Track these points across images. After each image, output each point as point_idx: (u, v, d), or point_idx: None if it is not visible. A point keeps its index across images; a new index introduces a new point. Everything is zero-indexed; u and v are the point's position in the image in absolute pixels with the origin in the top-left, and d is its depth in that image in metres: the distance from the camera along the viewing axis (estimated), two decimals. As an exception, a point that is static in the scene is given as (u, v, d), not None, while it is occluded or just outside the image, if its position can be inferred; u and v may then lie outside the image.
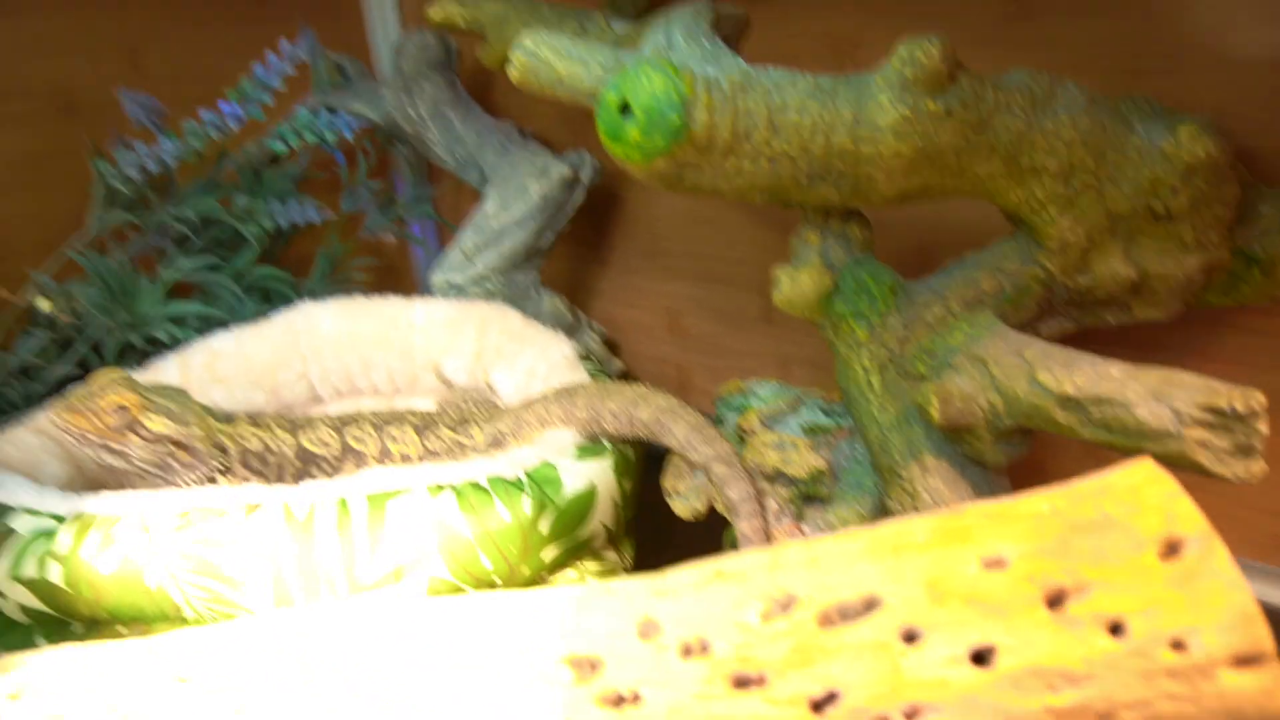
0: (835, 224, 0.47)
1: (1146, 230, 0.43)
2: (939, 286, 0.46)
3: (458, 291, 0.71)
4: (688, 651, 0.31)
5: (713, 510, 0.51)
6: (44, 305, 0.70)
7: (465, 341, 0.66)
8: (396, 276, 0.99)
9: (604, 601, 0.33)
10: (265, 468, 0.56)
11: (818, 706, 0.29)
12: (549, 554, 0.49)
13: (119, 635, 0.48)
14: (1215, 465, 0.35)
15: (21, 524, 0.47)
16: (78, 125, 0.77)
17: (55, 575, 0.45)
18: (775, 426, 0.53)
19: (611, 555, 0.54)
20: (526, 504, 0.47)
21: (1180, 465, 0.35)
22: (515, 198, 0.70)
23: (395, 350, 0.67)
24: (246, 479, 0.55)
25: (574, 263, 0.86)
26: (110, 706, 0.38)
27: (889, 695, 0.28)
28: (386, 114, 0.79)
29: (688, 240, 0.76)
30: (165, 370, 0.65)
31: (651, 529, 0.59)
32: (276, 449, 0.56)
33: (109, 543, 0.45)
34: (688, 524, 0.52)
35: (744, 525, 0.47)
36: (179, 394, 0.56)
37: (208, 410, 0.55)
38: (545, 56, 0.46)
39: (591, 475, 0.50)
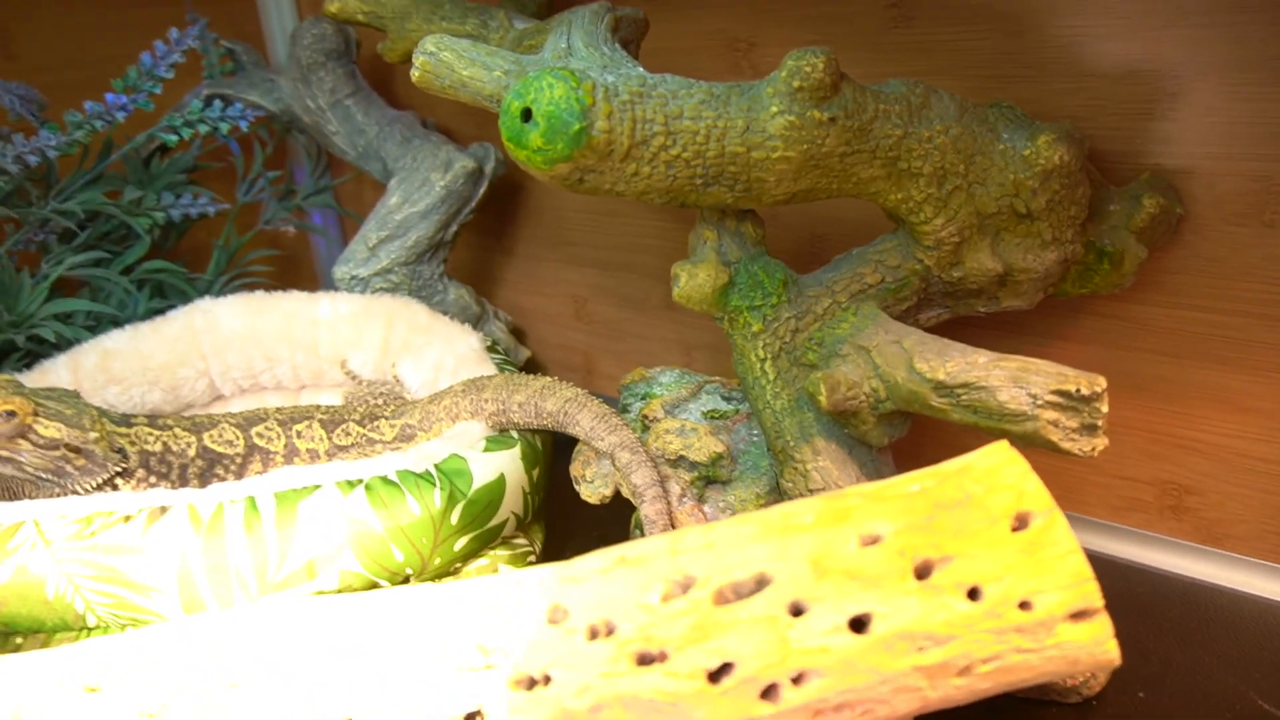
0: (730, 222, 0.49)
1: (1010, 228, 0.47)
2: (827, 280, 0.49)
3: (361, 285, 0.71)
4: (594, 634, 0.33)
5: (619, 495, 0.54)
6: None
7: (372, 336, 0.66)
8: (297, 268, 0.98)
9: (514, 591, 0.35)
10: (167, 469, 0.55)
11: (714, 677, 0.31)
12: (460, 544, 0.50)
13: (17, 646, 0.47)
14: (1065, 442, 0.39)
15: (-94, 537, 0.46)
16: (-54, 113, 0.73)
17: (-54, 588, 0.44)
18: (677, 413, 0.56)
19: (522, 542, 0.56)
20: (437, 497, 0.48)
21: (1036, 443, 0.39)
22: (419, 190, 0.70)
23: (300, 346, 0.66)
24: (147, 482, 0.54)
25: (480, 252, 0.87)
26: (14, 719, 0.37)
27: (778, 664, 0.31)
28: (283, 104, 0.78)
29: (592, 230, 0.78)
30: (55, 372, 0.63)
31: (561, 513, 0.61)
32: (178, 449, 0.55)
33: (4, 554, 0.44)
34: (595, 508, 0.54)
35: (648, 509, 0.50)
36: (72, 396, 0.54)
37: (103, 413, 0.54)
38: (447, 59, 0.47)
39: (500, 466, 0.52)
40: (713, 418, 0.55)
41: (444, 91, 0.48)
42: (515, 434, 0.54)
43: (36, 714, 0.37)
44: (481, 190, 0.73)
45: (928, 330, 0.47)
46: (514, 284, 0.85)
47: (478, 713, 0.33)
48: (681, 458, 0.52)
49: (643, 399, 0.58)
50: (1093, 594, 0.30)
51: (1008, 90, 0.54)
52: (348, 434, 0.57)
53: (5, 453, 0.51)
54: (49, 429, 0.51)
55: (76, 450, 0.52)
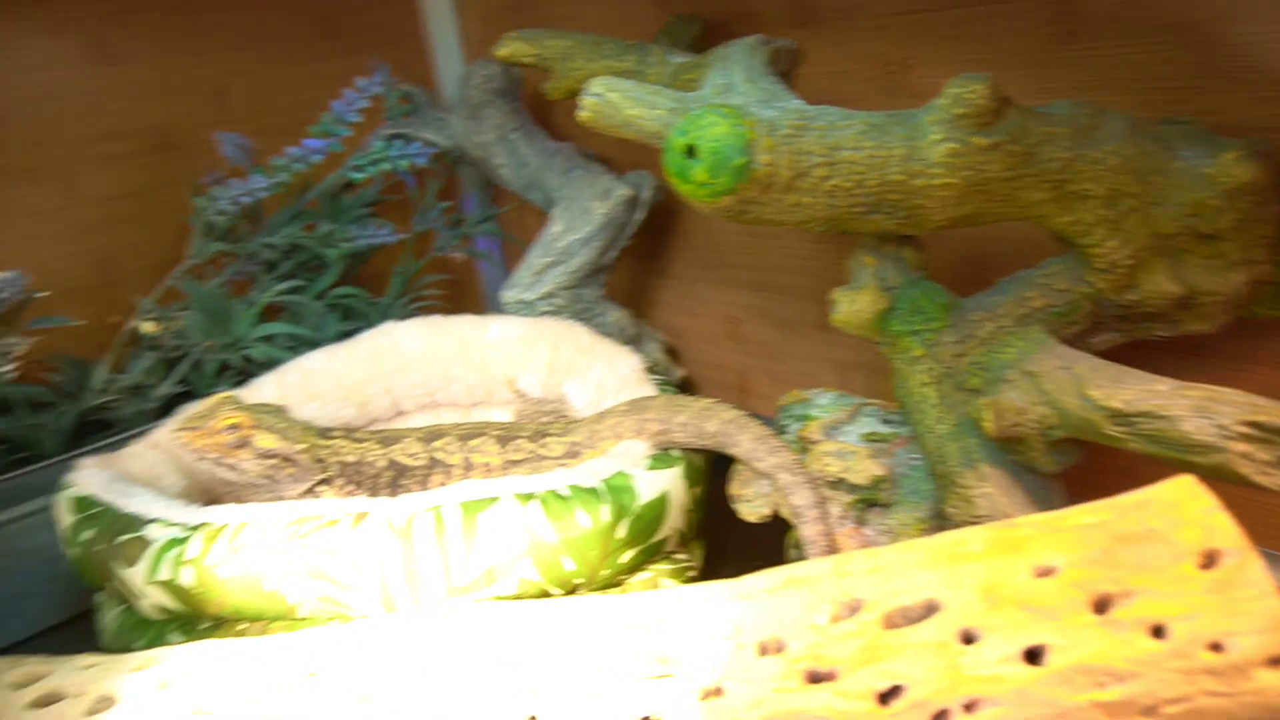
0: (890, 248, 0.49)
1: (1192, 249, 0.46)
2: (991, 303, 0.49)
3: (527, 308, 0.75)
4: (765, 650, 0.35)
5: (776, 514, 0.55)
6: (148, 329, 0.77)
7: (539, 357, 0.70)
8: (464, 291, 1.04)
9: (687, 605, 0.37)
10: (361, 479, 0.60)
11: (884, 699, 0.32)
12: (626, 557, 0.53)
13: (241, 632, 0.53)
14: (1259, 476, 0.37)
15: (154, 533, 0.52)
16: (173, 161, 0.83)
17: (186, 578, 0.51)
18: (835, 435, 0.56)
19: (683, 557, 0.58)
20: (605, 511, 0.51)
21: (1225, 477, 0.38)
22: (580, 218, 0.74)
23: (473, 366, 0.71)
24: (345, 490, 0.60)
25: (636, 275, 0.90)
26: (249, 698, 0.43)
27: (950, 690, 0.31)
28: (454, 140, 0.84)
29: (747, 252, 0.79)
30: (263, 388, 0.70)
31: (718, 531, 0.63)
32: (370, 462, 0.61)
33: (232, 550, 0.50)
34: (752, 526, 0.56)
35: (808, 530, 0.51)
36: (281, 411, 0.61)
37: (308, 426, 0.61)
38: (613, 100, 0.50)
39: (664, 483, 0.54)
40: (872, 440, 0.55)
41: (610, 129, 0.51)
42: (678, 453, 0.56)
43: (267, 693, 0.42)
44: (639, 216, 0.76)
45: (1100, 355, 0.45)
46: (669, 305, 0.88)
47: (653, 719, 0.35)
48: (841, 480, 0.52)
49: (800, 420, 0.59)
50: (1292, 638, 0.29)
51: (1186, 104, 0.52)
52: (519, 450, 0.60)
53: (230, 460, 0.58)
54: (266, 440, 0.58)
55: (287, 460, 0.58)
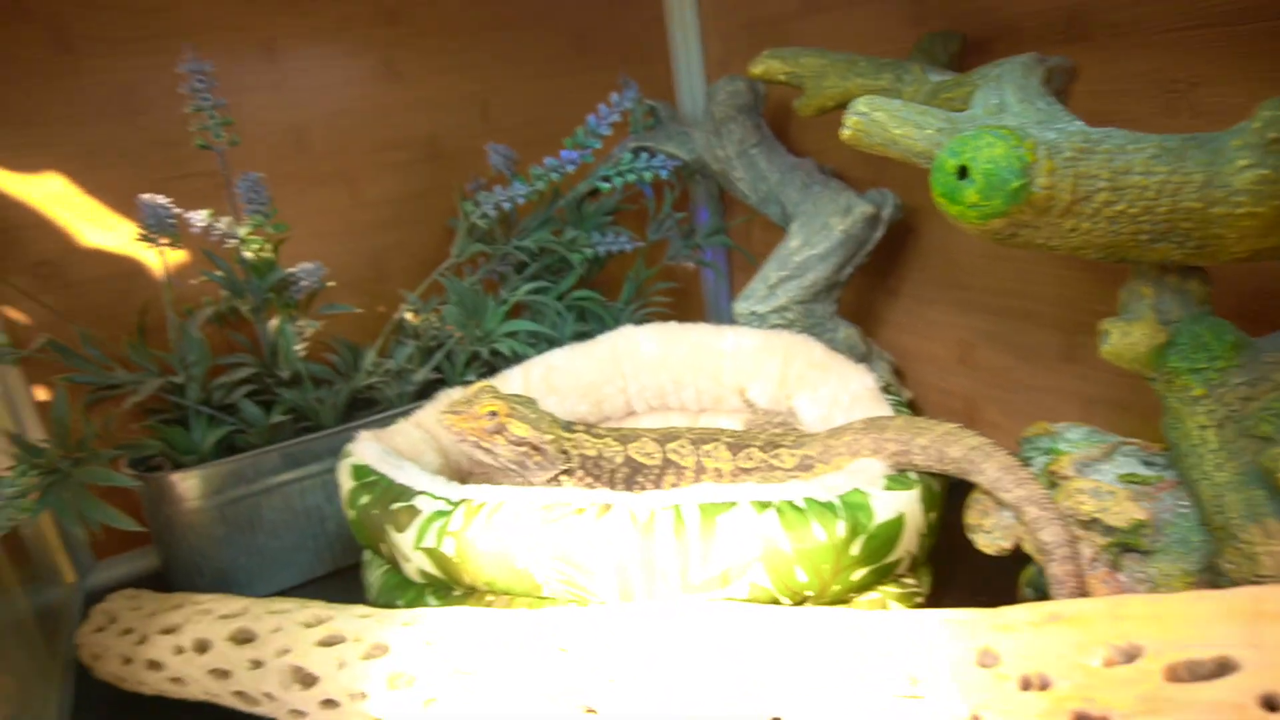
0: (1172, 279, 0.47)
1: None
2: (1289, 344, 0.45)
3: (759, 320, 0.77)
4: (1027, 684, 0.34)
5: (1016, 549, 0.53)
6: (411, 319, 0.85)
7: (770, 369, 0.71)
8: (688, 299, 1.08)
9: (943, 628, 0.37)
10: (599, 473, 0.64)
11: (1166, 755, 0.30)
12: (858, 575, 0.53)
13: (487, 603, 0.58)
14: None
15: (423, 504, 0.58)
16: (440, 169, 0.92)
17: (448, 548, 0.56)
18: (1088, 473, 0.53)
19: (911, 581, 0.57)
20: (841, 527, 0.52)
21: None
22: (818, 234, 0.74)
23: (705, 373, 0.73)
24: (584, 482, 0.64)
25: (865, 292, 0.89)
26: (504, 664, 0.46)
27: (1245, 755, 0.29)
28: (695, 154, 0.87)
29: (985, 275, 0.77)
30: (511, 379, 0.76)
31: (944, 559, 0.61)
32: (609, 456, 0.64)
33: (489, 526, 0.55)
34: (978, 558, 0.54)
35: (1057, 569, 0.48)
36: (533, 403, 0.66)
37: (555, 419, 0.65)
38: (879, 119, 0.50)
39: (900, 505, 0.53)
40: (1131, 482, 0.52)
41: (872, 148, 0.52)
42: (915, 475, 0.56)
43: (524, 663, 0.46)
44: (879, 234, 0.75)
45: None
46: (898, 324, 0.87)
47: (904, 738, 0.35)
48: (1096, 520, 0.50)
49: (1047, 454, 0.56)
50: None
51: None
52: (750, 458, 0.62)
53: (486, 445, 0.63)
54: (519, 428, 0.62)
55: (535, 448, 0.63)
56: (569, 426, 0.66)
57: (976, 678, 0.35)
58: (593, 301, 0.89)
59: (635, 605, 0.46)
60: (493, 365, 0.84)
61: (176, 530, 0.72)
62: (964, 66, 0.69)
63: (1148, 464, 0.53)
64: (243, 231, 0.71)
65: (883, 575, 0.54)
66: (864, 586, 0.54)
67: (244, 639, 0.55)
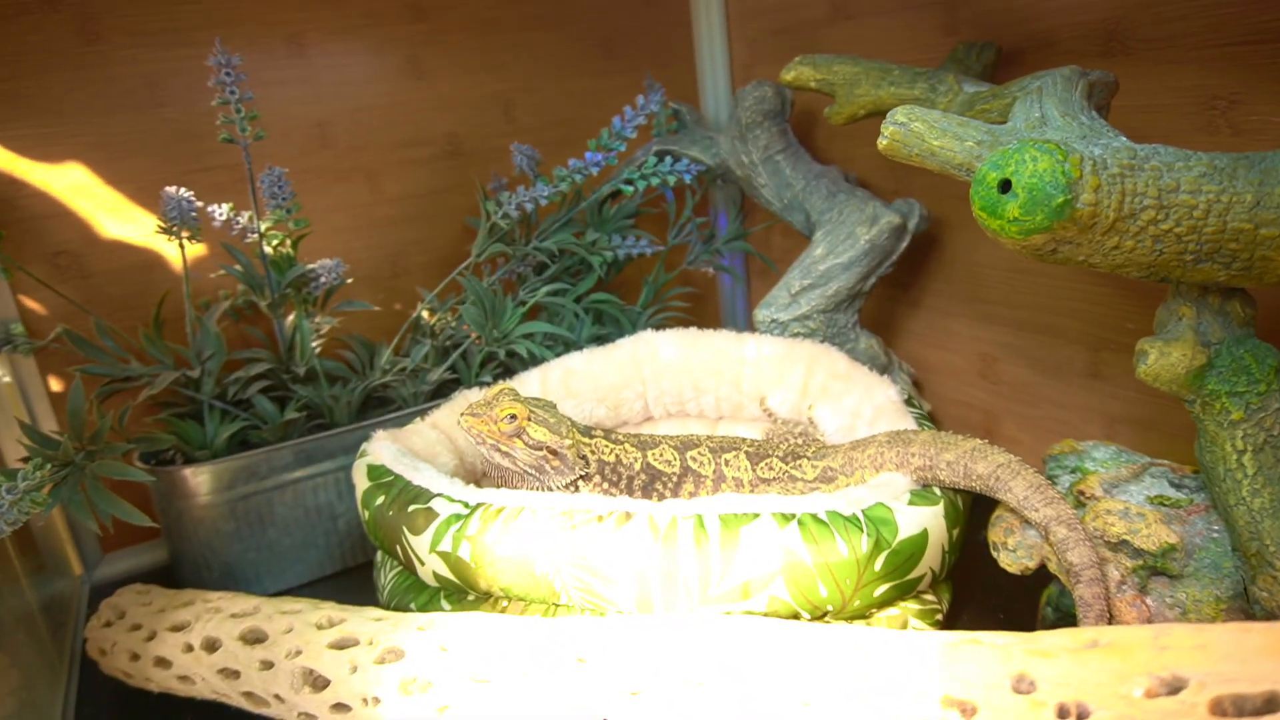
0: (1214, 300, 0.46)
1: None
2: (1331, 370, 0.44)
3: (780, 328, 0.76)
4: (1064, 713, 0.33)
5: (1041, 568, 0.52)
6: (428, 317, 0.84)
7: (792, 378, 0.70)
8: (704, 304, 1.07)
9: (976, 651, 0.36)
10: (617, 479, 0.63)
11: (1212, 792, 0.29)
12: (880, 591, 0.52)
13: (503, 609, 0.57)
14: None
15: (439, 507, 0.57)
16: (461, 167, 0.91)
17: (465, 552, 0.55)
18: (1116, 494, 0.53)
19: (931, 598, 0.56)
20: (864, 542, 0.51)
21: None
22: (843, 243, 0.74)
23: (725, 380, 0.73)
24: (601, 488, 0.63)
25: (886, 303, 0.88)
26: (521, 673, 0.46)
27: (1295, 796, 0.28)
28: (719, 158, 0.86)
29: (1009, 289, 0.76)
30: (529, 382, 0.75)
31: (963, 576, 0.61)
32: (627, 463, 0.63)
33: (507, 531, 0.54)
34: (997, 576, 0.53)
35: (1084, 590, 0.48)
36: (552, 407, 0.65)
37: (574, 424, 0.64)
38: (917, 130, 0.49)
39: (924, 521, 0.53)
40: (1161, 504, 0.51)
41: (909, 159, 0.51)
42: (939, 491, 0.55)
43: (539, 671, 0.45)
44: (904, 245, 0.74)
45: None
46: (918, 336, 0.86)
47: (936, 764, 0.34)
48: (1124, 542, 0.49)
49: (1072, 473, 0.55)
50: None
51: None
52: (770, 468, 0.61)
53: (504, 448, 0.62)
54: (538, 432, 0.62)
55: (554, 453, 0.62)
56: (588, 432, 0.65)
57: (1013, 704, 0.34)
58: (610, 305, 0.88)
59: (656, 617, 0.46)
60: (508, 366, 0.84)
61: (187, 525, 0.72)
62: (998, 78, 0.68)
63: (1177, 486, 0.53)
64: (264, 226, 0.71)
65: (904, 591, 0.53)
66: (885, 602, 0.53)
67: (255, 639, 0.54)
